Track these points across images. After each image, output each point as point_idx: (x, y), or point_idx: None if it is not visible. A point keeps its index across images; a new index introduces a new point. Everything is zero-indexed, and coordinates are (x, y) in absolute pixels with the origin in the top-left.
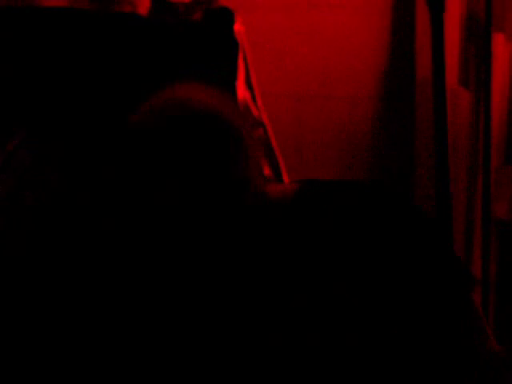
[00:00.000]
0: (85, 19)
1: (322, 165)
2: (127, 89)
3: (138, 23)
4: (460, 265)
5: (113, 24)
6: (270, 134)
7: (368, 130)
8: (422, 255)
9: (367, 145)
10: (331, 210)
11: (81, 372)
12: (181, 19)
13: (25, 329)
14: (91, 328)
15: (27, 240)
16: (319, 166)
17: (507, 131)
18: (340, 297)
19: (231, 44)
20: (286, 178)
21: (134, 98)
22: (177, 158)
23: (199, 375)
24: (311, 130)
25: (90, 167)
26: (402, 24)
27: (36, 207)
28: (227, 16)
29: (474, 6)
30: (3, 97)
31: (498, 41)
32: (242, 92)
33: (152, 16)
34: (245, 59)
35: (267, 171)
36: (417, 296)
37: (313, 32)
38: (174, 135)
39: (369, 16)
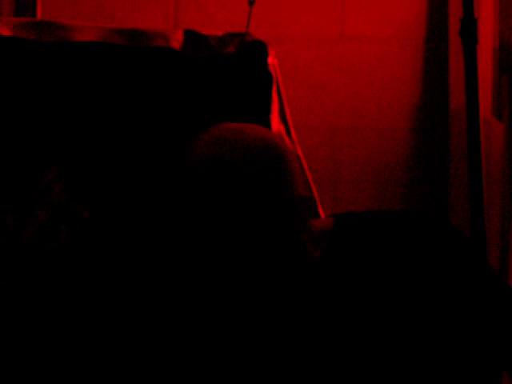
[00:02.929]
0: (118, 54)
1: (357, 196)
2: (160, 122)
3: (171, 57)
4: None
5: (146, 58)
6: (304, 167)
7: (402, 160)
8: (470, 283)
9: (402, 176)
10: (368, 244)
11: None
12: (214, 52)
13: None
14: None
15: (61, 269)
16: (354, 197)
17: None
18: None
19: (265, 77)
20: (320, 209)
21: (168, 132)
22: (242, 182)
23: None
24: (345, 161)
25: (121, 202)
26: (435, 56)
27: (69, 241)
28: (261, 49)
29: (507, 37)
30: (38, 131)
31: None
32: (276, 125)
33: (185, 50)
34: (278, 92)
35: None
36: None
37: (346, 64)
38: (237, 162)
39: (402, 48)
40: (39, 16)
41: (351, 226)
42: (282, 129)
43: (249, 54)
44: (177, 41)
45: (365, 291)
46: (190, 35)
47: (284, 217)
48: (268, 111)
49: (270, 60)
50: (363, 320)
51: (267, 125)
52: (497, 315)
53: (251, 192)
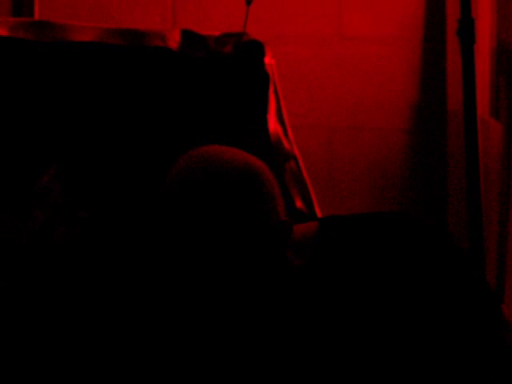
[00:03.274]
0: (115, 54)
1: (354, 196)
2: (158, 122)
3: (169, 57)
4: (493, 304)
5: (143, 58)
6: (301, 167)
7: (400, 161)
8: (453, 289)
9: (399, 176)
10: (354, 248)
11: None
12: (211, 52)
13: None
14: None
15: (57, 271)
16: (351, 197)
17: None
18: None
19: (262, 77)
20: (317, 210)
21: (166, 131)
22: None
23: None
24: (342, 161)
25: (116, 203)
26: (432, 56)
27: (66, 242)
28: (258, 49)
29: (505, 37)
30: (36, 132)
31: None
32: (273, 125)
33: (182, 50)
34: (275, 92)
35: (299, 204)
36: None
37: (344, 64)
38: (214, 188)
39: (399, 48)
40: (36, 16)
41: (336, 231)
42: (279, 129)
43: (246, 53)
44: (174, 41)
45: (349, 295)
46: (188, 35)
47: (259, 244)
48: (265, 111)
49: (267, 60)
50: (349, 321)
51: (264, 125)
52: (476, 318)
53: (230, 217)
